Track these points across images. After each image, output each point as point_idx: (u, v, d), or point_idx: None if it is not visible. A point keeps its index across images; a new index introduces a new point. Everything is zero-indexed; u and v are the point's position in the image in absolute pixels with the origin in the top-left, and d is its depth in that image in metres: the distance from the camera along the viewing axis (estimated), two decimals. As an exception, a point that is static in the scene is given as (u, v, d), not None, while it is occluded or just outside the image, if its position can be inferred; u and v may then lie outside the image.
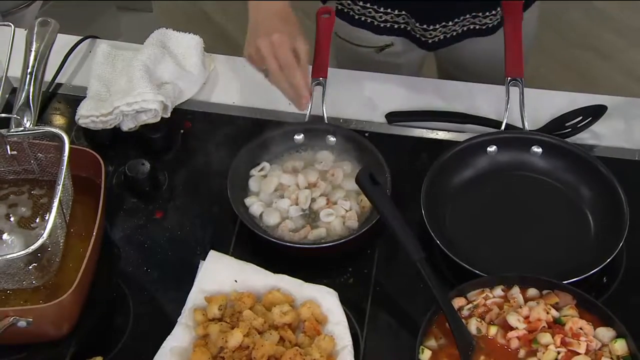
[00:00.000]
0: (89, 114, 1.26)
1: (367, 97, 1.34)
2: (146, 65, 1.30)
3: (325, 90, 1.23)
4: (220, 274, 1.09)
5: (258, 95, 1.34)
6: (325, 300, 1.07)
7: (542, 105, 1.30)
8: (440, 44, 1.38)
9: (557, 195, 1.19)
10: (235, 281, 1.09)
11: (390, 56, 1.43)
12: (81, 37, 1.42)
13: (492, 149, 1.22)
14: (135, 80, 1.27)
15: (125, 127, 1.28)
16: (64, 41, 1.37)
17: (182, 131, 1.31)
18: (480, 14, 1.34)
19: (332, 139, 1.23)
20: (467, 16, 1.34)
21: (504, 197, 1.20)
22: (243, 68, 1.39)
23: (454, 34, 1.37)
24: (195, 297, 1.08)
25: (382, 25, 1.37)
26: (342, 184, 1.20)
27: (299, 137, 1.24)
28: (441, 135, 1.29)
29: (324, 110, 1.24)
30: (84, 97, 1.31)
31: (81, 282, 1.02)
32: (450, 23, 1.34)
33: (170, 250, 1.17)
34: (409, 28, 1.37)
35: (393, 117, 1.31)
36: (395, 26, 1.37)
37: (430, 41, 1.37)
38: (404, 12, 1.35)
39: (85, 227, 1.12)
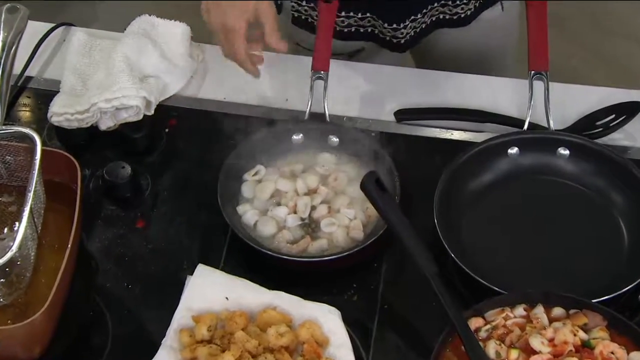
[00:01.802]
0: (62, 111, 1.27)
1: (374, 92, 1.35)
2: (127, 57, 1.30)
3: (327, 85, 1.24)
4: (209, 291, 1.10)
5: (252, 90, 1.35)
6: (327, 320, 1.08)
7: (569, 102, 1.31)
8: (411, 42, 1.39)
9: (586, 202, 1.20)
10: (227, 298, 1.09)
11: (364, 61, 1.43)
12: (54, 25, 1.43)
13: (513, 150, 1.23)
14: (115, 73, 1.28)
15: (103, 126, 1.29)
16: (34, 29, 1.38)
17: (167, 130, 1.32)
18: (449, 2, 1.34)
19: (334, 139, 1.24)
20: (436, 4, 1.34)
21: (527, 205, 1.20)
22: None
23: (424, 26, 1.37)
24: (181, 316, 1.09)
25: (345, 30, 1.37)
26: (346, 189, 1.21)
27: (298, 138, 1.24)
28: (456, 135, 1.30)
29: (326, 107, 1.24)
30: (57, 92, 1.32)
31: (54, 299, 1.02)
32: (419, 15, 1.34)
33: (153, 264, 1.18)
34: (376, 31, 1.37)
35: (403, 115, 1.32)
36: (362, 30, 1.37)
37: (402, 41, 1.37)
38: (368, 15, 1.34)
39: (59, 238, 1.12)
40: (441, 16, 1.37)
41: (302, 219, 1.18)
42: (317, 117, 1.25)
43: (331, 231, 1.16)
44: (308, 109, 1.24)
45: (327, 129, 1.24)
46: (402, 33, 1.36)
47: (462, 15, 1.37)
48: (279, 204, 1.19)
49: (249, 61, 1.26)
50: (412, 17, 1.34)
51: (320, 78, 1.24)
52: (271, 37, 1.22)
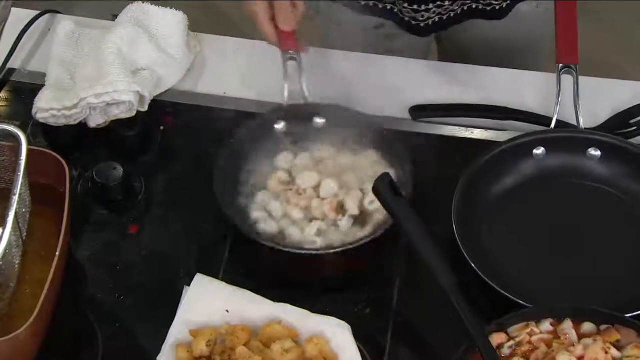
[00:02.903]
0: (48, 107, 1.27)
1: (386, 86, 1.35)
2: (118, 48, 1.30)
3: (302, 67, 1.24)
4: (208, 303, 1.10)
5: (256, 84, 1.35)
6: (336, 335, 1.08)
7: (601, 98, 1.31)
8: (434, 28, 1.38)
9: (619, 208, 1.21)
10: (227, 311, 1.10)
11: (384, 39, 1.43)
12: (38, 12, 1.43)
13: (539, 151, 1.24)
14: (106, 65, 1.28)
15: (93, 124, 1.29)
16: (17, 17, 1.39)
17: (162, 128, 1.32)
18: None
19: (318, 121, 1.26)
20: None
21: (554, 210, 1.21)
22: (237, 51, 1.40)
23: (452, 14, 1.37)
24: (178, 330, 1.09)
25: (363, 2, 1.37)
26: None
27: (280, 127, 1.26)
28: (477, 134, 1.30)
29: (304, 89, 1.24)
30: (43, 85, 1.32)
31: (41, 312, 1.02)
32: (447, 2, 1.34)
33: (147, 273, 1.18)
34: (395, 10, 1.37)
35: (418, 111, 1.32)
36: (380, 6, 1.37)
37: (422, 24, 1.37)
38: None
39: (45, 245, 1.12)
40: (474, 6, 1.37)
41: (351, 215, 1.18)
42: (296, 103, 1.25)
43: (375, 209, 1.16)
44: (285, 96, 1.25)
45: (311, 112, 1.25)
46: (422, 16, 1.36)
47: (497, 7, 1.37)
48: (311, 219, 1.18)
49: (284, 44, 1.24)
50: (438, 3, 1.34)
51: (292, 59, 1.25)
52: (279, 15, 1.21)
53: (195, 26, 1.41)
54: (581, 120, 1.24)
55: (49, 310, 1.07)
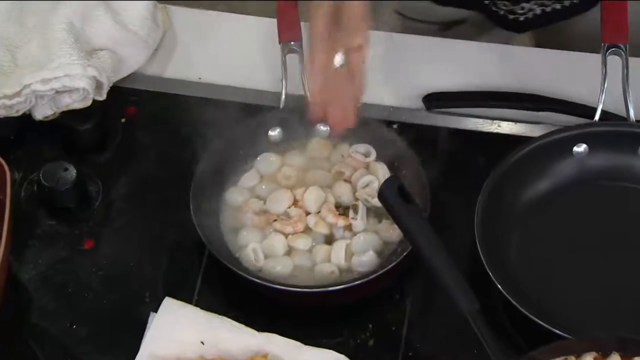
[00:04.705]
0: (-16, 96, 1.28)
1: (396, 71, 1.35)
2: (70, 23, 1.30)
3: (304, 60, 1.24)
4: (179, 332, 1.10)
5: (239, 68, 1.35)
6: (334, 372, 1.09)
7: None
8: (537, 22, 1.38)
9: (677, 217, 1.21)
10: (202, 343, 1.10)
11: (461, 38, 1.43)
12: (-28, -19, 1.43)
13: (580, 148, 1.23)
14: (55, 45, 1.28)
15: (39, 115, 1.29)
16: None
17: (123, 120, 1.32)
18: None
19: (323, 128, 1.26)
20: None
21: (597, 220, 1.21)
22: (215, 26, 1.40)
23: (558, 7, 1.35)
24: (142, 366, 1.10)
25: None
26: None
27: (275, 133, 1.27)
28: (505, 127, 1.30)
29: (306, 89, 1.24)
30: (-23, 69, 1.32)
31: None
32: None
33: (105, 297, 1.18)
34: (487, 1, 1.36)
35: (435, 100, 1.32)
36: None
37: (521, 18, 1.36)
38: None
39: (-20, 262, 1.12)
40: None
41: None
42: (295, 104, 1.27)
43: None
44: (283, 94, 1.26)
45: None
46: (522, 8, 1.35)
47: None
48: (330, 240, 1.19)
49: (284, 33, 1.23)
50: None
51: (293, 51, 1.25)
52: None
53: (164, -4, 1.42)
54: (631, 112, 1.23)
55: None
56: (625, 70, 1.22)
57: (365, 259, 1.15)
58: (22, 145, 1.29)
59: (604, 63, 1.22)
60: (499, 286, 1.10)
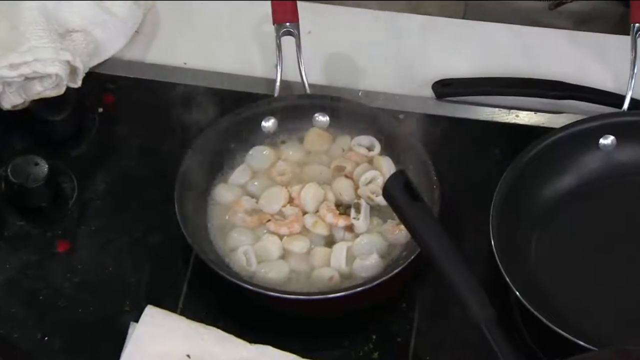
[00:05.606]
0: (-54, 83, 1.28)
1: (403, 55, 1.35)
2: (42, 2, 1.30)
3: (300, 43, 1.25)
4: (163, 345, 1.10)
5: (227, 52, 1.35)
6: (334, 388, 1.10)
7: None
8: None
9: None
10: (188, 356, 1.09)
11: (571, 19, 1.43)
12: None
13: (607, 141, 1.23)
14: (24, 26, 1.27)
15: (7, 104, 1.28)
16: None
17: (100, 110, 1.32)
18: None
19: (321, 118, 1.26)
20: None
21: (625, 220, 1.20)
22: (202, 7, 1.40)
23: None
24: (122, 382, 1.10)
25: None
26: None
27: (268, 124, 1.26)
28: (524, 117, 1.30)
29: (303, 74, 1.25)
30: (-60, 54, 1.33)
31: None
32: None
33: (81, 305, 1.17)
34: None
35: (445, 87, 1.32)
36: None
37: None
38: None
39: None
40: None
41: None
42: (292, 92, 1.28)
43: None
44: (278, 81, 1.25)
45: (311, 106, 1.27)
46: None
47: None
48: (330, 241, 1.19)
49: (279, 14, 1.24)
50: None
51: (289, 33, 1.25)
52: None
53: (145, -26, 1.42)
54: (663, 100, 1.25)
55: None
56: (657, 54, 1.24)
57: (369, 263, 1.15)
58: (-12, 137, 1.30)
59: (634, 46, 1.22)
60: (518, 294, 1.09)
